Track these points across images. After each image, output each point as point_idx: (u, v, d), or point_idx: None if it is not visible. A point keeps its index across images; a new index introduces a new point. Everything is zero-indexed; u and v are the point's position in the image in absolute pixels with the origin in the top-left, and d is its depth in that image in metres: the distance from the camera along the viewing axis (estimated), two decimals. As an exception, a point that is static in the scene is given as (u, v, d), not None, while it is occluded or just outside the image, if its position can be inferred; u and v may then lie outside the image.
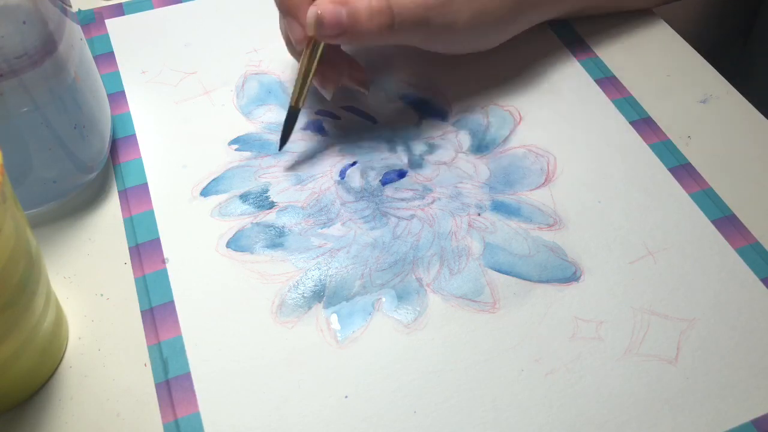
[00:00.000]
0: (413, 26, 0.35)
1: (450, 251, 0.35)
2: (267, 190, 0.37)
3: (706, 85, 0.43)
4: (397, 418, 0.30)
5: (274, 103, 0.41)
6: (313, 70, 0.36)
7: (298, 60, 0.38)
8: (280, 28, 0.39)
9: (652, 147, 0.39)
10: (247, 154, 0.38)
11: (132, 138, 0.39)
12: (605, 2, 0.44)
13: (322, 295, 0.33)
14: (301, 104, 0.36)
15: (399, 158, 0.39)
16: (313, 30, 0.34)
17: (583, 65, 0.43)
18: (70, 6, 0.33)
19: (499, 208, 0.37)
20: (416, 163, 0.39)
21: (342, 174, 0.38)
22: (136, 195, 0.37)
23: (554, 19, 0.44)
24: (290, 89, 0.41)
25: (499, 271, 0.34)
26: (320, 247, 0.35)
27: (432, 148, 0.39)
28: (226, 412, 0.30)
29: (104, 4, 0.46)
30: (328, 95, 0.38)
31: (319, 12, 0.33)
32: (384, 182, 0.38)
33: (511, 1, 0.38)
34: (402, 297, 0.33)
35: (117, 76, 0.42)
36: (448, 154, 0.39)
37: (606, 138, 0.40)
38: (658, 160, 0.39)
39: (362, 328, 0.32)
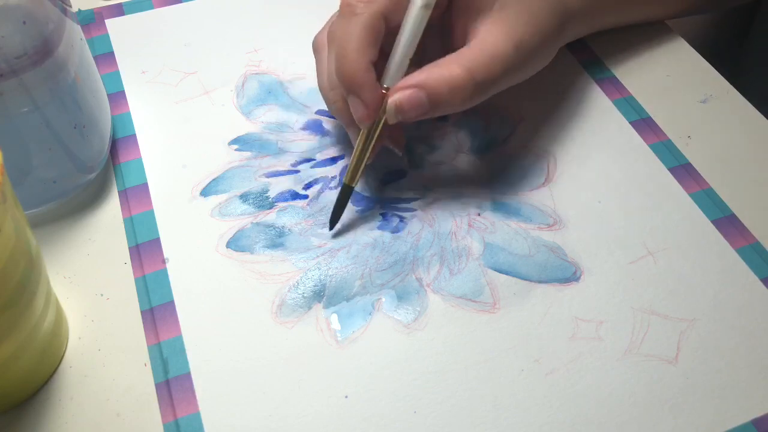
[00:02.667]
0: (496, 86, 0.34)
1: (450, 251, 0.35)
2: (267, 190, 0.37)
3: (706, 85, 0.43)
4: (397, 418, 0.30)
5: (274, 103, 0.41)
6: (370, 150, 0.34)
7: (344, 123, 0.36)
8: (319, 85, 0.36)
9: (652, 147, 0.39)
10: (247, 154, 0.38)
11: (132, 138, 0.39)
12: (623, 19, 0.43)
13: (322, 295, 0.33)
14: (355, 183, 0.35)
15: (399, 158, 0.39)
16: (394, 120, 0.33)
17: (584, 65, 0.43)
18: (70, 6, 0.33)
19: (499, 208, 0.37)
20: (416, 163, 0.39)
21: (342, 174, 0.38)
22: (136, 195, 0.37)
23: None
24: (290, 89, 0.41)
25: (499, 271, 0.34)
26: (320, 247, 0.35)
27: (432, 148, 0.39)
28: (226, 412, 0.30)
29: (104, 4, 0.46)
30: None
31: (398, 101, 0.32)
32: (384, 182, 0.38)
33: (556, 25, 0.37)
34: (402, 297, 0.33)
35: (117, 76, 0.42)
36: (448, 154, 0.39)
37: (606, 138, 0.40)
38: (658, 160, 0.39)
39: (362, 328, 0.32)
